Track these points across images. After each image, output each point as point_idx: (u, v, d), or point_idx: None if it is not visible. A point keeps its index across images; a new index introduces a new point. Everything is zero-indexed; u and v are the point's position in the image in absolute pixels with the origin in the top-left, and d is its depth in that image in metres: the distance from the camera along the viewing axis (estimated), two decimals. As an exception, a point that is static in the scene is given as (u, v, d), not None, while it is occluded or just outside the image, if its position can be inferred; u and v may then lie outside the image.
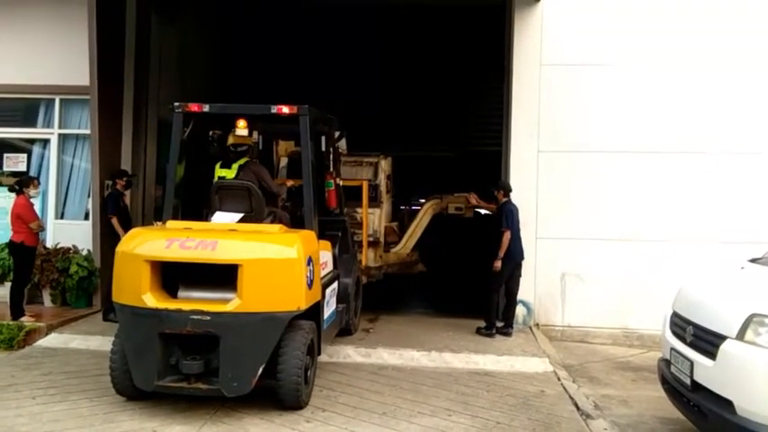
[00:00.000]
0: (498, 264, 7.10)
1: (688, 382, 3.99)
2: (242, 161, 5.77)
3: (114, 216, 7.75)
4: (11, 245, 7.17)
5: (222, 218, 5.45)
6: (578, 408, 5.16)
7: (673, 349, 4.30)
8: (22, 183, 7.29)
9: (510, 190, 7.41)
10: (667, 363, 4.44)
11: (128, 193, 8.23)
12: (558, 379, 5.92)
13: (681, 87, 7.76)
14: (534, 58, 7.86)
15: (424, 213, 9.96)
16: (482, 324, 7.31)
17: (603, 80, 7.84)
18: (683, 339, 4.19)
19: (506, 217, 7.14)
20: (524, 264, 7.47)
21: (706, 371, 3.82)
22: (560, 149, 7.80)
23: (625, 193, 7.75)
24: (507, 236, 7.07)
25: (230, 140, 5.81)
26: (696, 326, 4.05)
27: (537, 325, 7.75)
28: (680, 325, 4.29)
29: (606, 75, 7.84)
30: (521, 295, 7.60)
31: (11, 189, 7.37)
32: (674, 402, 4.31)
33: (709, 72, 7.71)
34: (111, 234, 7.57)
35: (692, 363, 3.97)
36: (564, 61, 7.86)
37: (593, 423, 4.86)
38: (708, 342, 3.86)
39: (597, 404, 5.35)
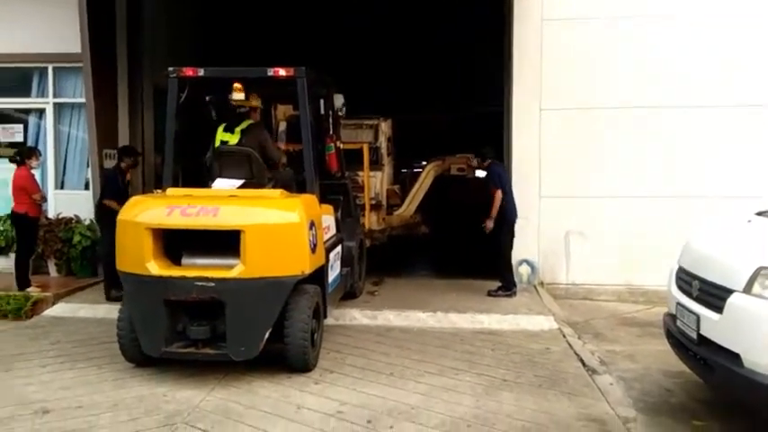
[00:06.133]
0: (490, 223, 7.08)
1: (694, 336, 3.99)
2: (245, 125, 5.66)
3: (114, 200, 6.68)
4: (14, 216, 7.15)
5: (223, 184, 5.40)
6: (584, 364, 5.19)
7: (678, 304, 4.29)
8: (23, 154, 7.22)
9: (487, 154, 7.40)
10: (673, 317, 4.43)
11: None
12: (564, 336, 5.95)
13: (683, 41, 7.57)
14: (535, 14, 7.66)
15: (426, 175, 9.90)
16: (492, 285, 7.29)
17: (605, 35, 7.65)
18: (688, 294, 4.18)
19: (495, 178, 7.19)
20: (528, 223, 7.50)
21: (712, 324, 3.81)
22: (563, 107, 7.67)
23: (628, 150, 7.65)
24: (499, 194, 7.09)
25: (242, 101, 5.61)
26: (702, 280, 4.03)
27: (542, 283, 7.76)
28: (686, 280, 4.27)
29: (608, 29, 7.65)
30: (525, 254, 7.62)
31: (11, 160, 7.30)
32: (680, 356, 4.32)
33: (711, 26, 7.52)
34: (110, 213, 7.13)
35: (698, 317, 3.95)
36: (566, 15, 7.67)
37: (598, 378, 4.89)
38: (714, 296, 3.84)
39: (603, 360, 5.38)
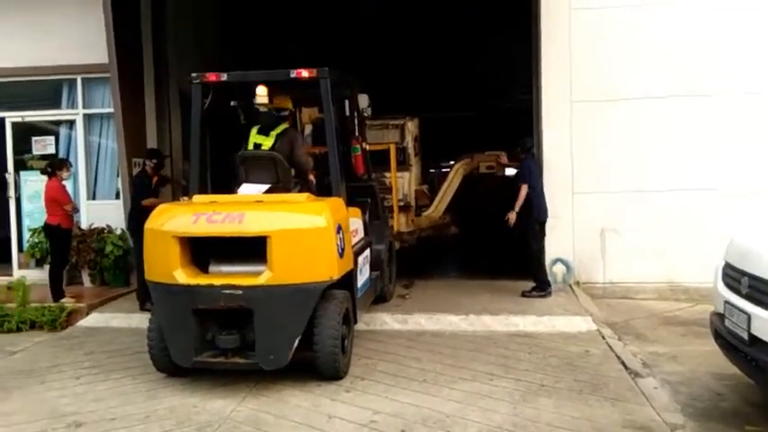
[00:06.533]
0: (513, 216, 6.90)
1: (745, 336, 3.77)
2: (281, 128, 5.60)
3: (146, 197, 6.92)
4: (47, 228, 7.24)
5: (248, 189, 5.34)
6: (626, 366, 4.98)
7: (726, 302, 4.06)
8: (53, 166, 7.31)
9: (528, 147, 7.20)
10: (720, 316, 4.20)
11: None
12: (603, 337, 5.73)
13: (725, 27, 7.25)
14: (563, 3, 7.43)
15: (455, 174, 9.74)
16: (526, 286, 7.10)
17: (640, 21, 7.38)
18: (737, 291, 3.95)
19: (525, 172, 7.02)
20: (561, 220, 7.29)
21: (765, 323, 3.59)
22: (594, 99, 7.42)
23: (666, 142, 7.37)
24: (524, 189, 6.91)
25: (267, 104, 5.56)
26: (752, 276, 3.80)
27: (577, 283, 7.52)
28: (734, 277, 4.04)
29: (643, 14, 7.37)
30: (559, 253, 7.42)
31: (43, 172, 7.40)
32: (730, 358, 4.09)
33: (753, 12, 7.18)
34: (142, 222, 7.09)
35: (748, 316, 3.73)
36: (595, 4, 7.42)
37: (642, 382, 4.68)
38: (766, 293, 3.62)
39: (645, 362, 5.15)
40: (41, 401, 4.58)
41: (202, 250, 4.75)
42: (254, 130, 5.64)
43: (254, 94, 5.44)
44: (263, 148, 5.53)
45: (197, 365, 4.61)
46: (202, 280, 4.59)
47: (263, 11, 11.75)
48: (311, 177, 5.68)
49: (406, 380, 4.76)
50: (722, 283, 4.21)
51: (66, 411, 4.36)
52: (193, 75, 5.46)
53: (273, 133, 5.57)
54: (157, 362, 4.84)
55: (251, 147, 5.58)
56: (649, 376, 4.80)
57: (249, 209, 4.72)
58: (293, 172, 5.56)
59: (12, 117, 8.65)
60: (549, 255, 7.41)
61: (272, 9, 11.99)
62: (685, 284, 7.20)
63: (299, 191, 5.49)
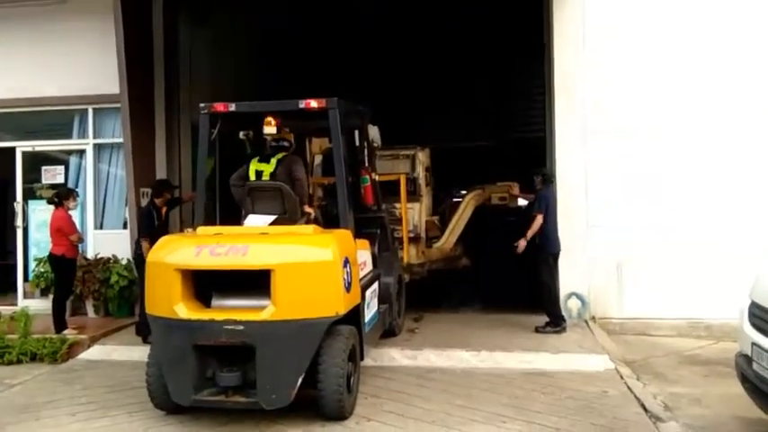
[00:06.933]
0: (523, 243, 6.70)
1: (775, 381, 3.54)
2: (281, 155, 5.54)
3: (147, 239, 6.42)
4: (51, 258, 7.15)
5: (255, 221, 5.23)
6: (646, 409, 4.73)
7: (754, 344, 3.84)
8: (60, 195, 7.25)
9: (550, 178, 7.04)
10: (747, 359, 3.98)
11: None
12: (621, 377, 5.48)
13: (746, 55, 7.11)
14: (577, 30, 7.33)
15: (467, 205, 9.57)
16: (539, 321, 6.86)
17: (657, 46, 7.23)
18: (765, 333, 3.73)
19: (540, 202, 6.84)
20: (575, 253, 7.07)
21: (797, 368, 3.37)
22: (611, 129, 7.26)
23: (686, 174, 7.16)
24: (539, 219, 6.72)
25: (269, 136, 5.52)
26: (782, 317, 3.59)
27: (593, 318, 7.27)
28: (761, 317, 3.83)
29: (662, 38, 7.21)
30: (574, 287, 7.20)
31: (49, 201, 7.35)
32: (758, 403, 3.85)
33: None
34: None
35: (779, 359, 3.52)
36: (612, 28, 7.27)
37: (664, 426, 4.43)
38: (797, 336, 3.41)
39: (666, 404, 4.89)
40: (35, 440, 4.42)
41: (205, 283, 4.61)
42: (254, 160, 5.57)
43: (262, 125, 5.38)
44: (264, 175, 5.45)
45: (196, 404, 4.44)
46: (204, 315, 4.44)
47: (277, 42, 11.85)
48: (307, 209, 5.53)
49: (415, 421, 4.56)
50: (749, 324, 3.99)
51: (60, 451, 4.19)
52: (202, 105, 5.43)
53: (274, 160, 5.50)
54: (155, 399, 4.67)
55: (253, 176, 5.49)
56: (671, 420, 4.55)
57: (253, 241, 4.60)
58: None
59: (22, 147, 8.67)
60: (564, 289, 7.19)
61: (288, 42, 12.10)
62: (706, 321, 6.93)
63: (306, 222, 5.37)
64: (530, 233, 6.74)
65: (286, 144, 5.63)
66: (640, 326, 7.16)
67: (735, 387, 4.32)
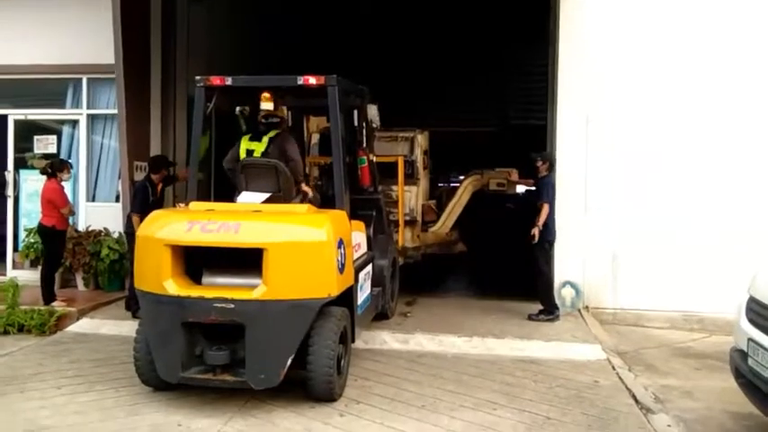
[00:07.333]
0: (537, 231, 6.63)
1: (770, 377, 3.50)
2: (272, 133, 5.41)
3: (139, 214, 6.27)
4: (41, 228, 7.04)
5: (248, 198, 5.14)
6: (637, 400, 4.69)
7: (750, 340, 3.79)
8: (54, 166, 7.09)
9: (554, 163, 6.96)
10: (743, 354, 3.94)
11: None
12: (613, 367, 5.45)
13: (752, 46, 7.00)
14: (583, 16, 7.19)
15: (464, 190, 9.51)
16: (533, 308, 6.85)
17: (660, 35, 7.11)
18: (763, 329, 3.69)
19: (547, 189, 6.75)
20: (572, 243, 7.04)
21: (793, 366, 3.33)
22: (613, 116, 7.17)
23: (686, 164, 7.08)
24: (546, 209, 6.66)
25: (262, 112, 5.43)
26: (782, 314, 3.54)
27: (586, 308, 7.23)
28: (760, 313, 3.78)
29: (665, 27, 7.10)
30: (568, 276, 7.15)
31: (42, 172, 7.21)
32: (752, 399, 3.82)
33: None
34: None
35: (775, 356, 3.47)
36: (615, 14, 7.16)
37: (654, 418, 4.39)
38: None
39: (657, 396, 4.87)
40: (19, 412, 4.34)
41: (196, 260, 4.53)
42: (245, 138, 5.44)
43: (258, 100, 5.26)
44: (255, 153, 5.33)
45: (183, 381, 4.37)
46: (193, 291, 4.36)
47: (277, 17, 11.63)
48: (304, 188, 5.44)
49: (404, 405, 4.51)
50: (746, 319, 3.94)
51: (44, 424, 4.13)
52: (197, 78, 5.29)
53: (266, 138, 5.37)
54: (143, 375, 4.61)
55: (243, 154, 5.37)
56: (662, 412, 4.52)
57: (246, 219, 4.51)
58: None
59: (15, 114, 8.50)
60: (558, 277, 7.13)
61: (289, 18, 11.88)
62: (699, 314, 6.91)
63: (301, 201, 5.28)
64: (541, 221, 6.66)
65: (277, 120, 5.49)
66: (634, 317, 7.13)
67: (726, 381, 4.31)
